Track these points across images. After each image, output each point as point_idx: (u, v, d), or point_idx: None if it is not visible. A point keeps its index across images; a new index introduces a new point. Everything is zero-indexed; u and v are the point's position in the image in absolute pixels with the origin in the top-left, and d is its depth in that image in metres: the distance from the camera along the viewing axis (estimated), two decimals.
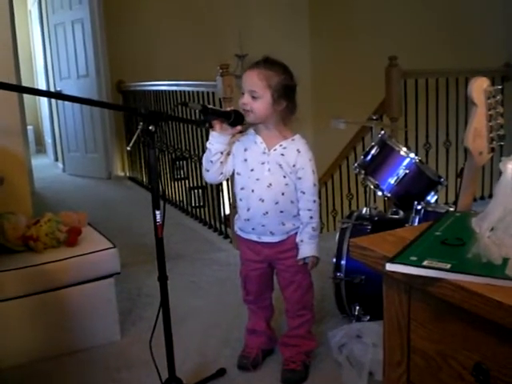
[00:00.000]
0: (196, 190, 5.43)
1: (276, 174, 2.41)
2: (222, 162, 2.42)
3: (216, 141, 2.37)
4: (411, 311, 1.24)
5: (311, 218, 2.47)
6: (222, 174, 2.46)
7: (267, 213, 2.44)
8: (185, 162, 5.61)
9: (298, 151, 2.42)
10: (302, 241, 2.48)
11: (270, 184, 2.41)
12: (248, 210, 2.47)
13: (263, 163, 2.41)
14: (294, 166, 2.41)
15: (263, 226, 2.47)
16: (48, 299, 2.82)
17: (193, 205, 5.48)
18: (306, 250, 2.48)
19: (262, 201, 2.43)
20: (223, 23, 7.39)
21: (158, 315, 2.20)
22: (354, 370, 2.59)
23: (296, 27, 7.74)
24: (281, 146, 2.41)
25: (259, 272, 2.62)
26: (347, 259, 2.95)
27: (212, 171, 2.44)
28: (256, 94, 2.33)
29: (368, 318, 2.95)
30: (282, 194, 2.43)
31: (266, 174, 2.41)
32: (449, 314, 1.13)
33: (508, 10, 5.26)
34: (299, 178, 2.43)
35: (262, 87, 2.33)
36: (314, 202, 2.47)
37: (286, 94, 2.38)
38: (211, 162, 2.41)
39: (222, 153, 2.39)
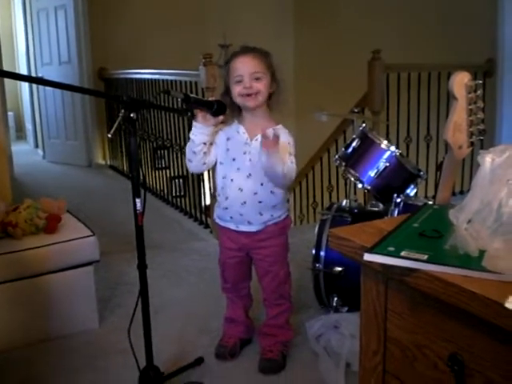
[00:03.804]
0: (177, 180, 5.43)
1: (257, 165, 2.40)
2: (205, 153, 2.42)
3: (199, 132, 2.37)
4: (388, 301, 1.25)
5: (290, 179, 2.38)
6: (205, 164, 2.47)
7: (245, 202, 2.44)
8: (166, 152, 5.59)
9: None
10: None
11: (250, 174, 2.42)
12: (226, 198, 2.48)
13: (245, 153, 2.41)
14: None
15: (241, 215, 2.47)
16: (26, 286, 2.80)
17: (173, 194, 5.47)
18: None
19: (241, 190, 2.44)
20: (207, 13, 7.36)
21: (136, 304, 2.19)
22: (332, 361, 2.61)
23: (280, 19, 7.73)
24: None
25: (237, 260, 2.63)
26: (326, 250, 2.97)
27: (195, 162, 2.45)
28: (259, 75, 2.35)
29: (346, 309, 2.97)
30: (261, 184, 2.43)
31: (246, 164, 2.41)
32: (425, 305, 1.15)
33: (492, 5, 5.28)
34: None
35: (263, 68, 2.36)
36: (292, 162, 2.37)
37: (276, 76, 2.42)
38: (194, 152, 2.41)
39: (205, 143, 2.39)
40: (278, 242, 2.57)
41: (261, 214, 2.47)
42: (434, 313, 1.13)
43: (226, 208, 2.50)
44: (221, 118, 2.33)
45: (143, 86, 5.97)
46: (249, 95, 2.35)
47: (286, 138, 2.41)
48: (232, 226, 2.53)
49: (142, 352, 2.25)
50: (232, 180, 2.45)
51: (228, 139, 2.46)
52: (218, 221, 2.61)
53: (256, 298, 2.81)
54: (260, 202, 2.45)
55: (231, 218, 2.51)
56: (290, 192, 5.95)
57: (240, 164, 2.43)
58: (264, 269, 2.60)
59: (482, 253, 1.08)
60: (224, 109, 2.32)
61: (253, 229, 2.50)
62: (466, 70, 1.43)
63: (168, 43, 7.01)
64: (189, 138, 2.42)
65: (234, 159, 2.44)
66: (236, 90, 2.37)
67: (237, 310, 2.77)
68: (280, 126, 2.46)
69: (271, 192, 2.45)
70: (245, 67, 2.35)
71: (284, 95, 2.46)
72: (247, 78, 2.34)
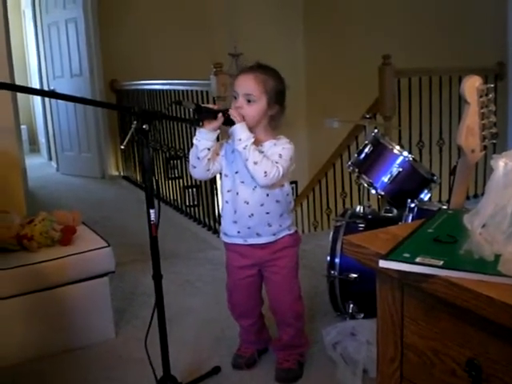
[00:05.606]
0: (190, 189, 5.44)
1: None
2: (209, 159, 2.37)
3: (203, 137, 2.32)
4: (404, 308, 1.25)
5: (265, 172, 2.28)
6: (209, 170, 2.42)
7: (253, 215, 2.41)
8: (179, 161, 5.61)
9: (274, 144, 2.38)
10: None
11: (255, 187, 2.38)
12: (235, 212, 2.44)
13: (246, 168, 2.34)
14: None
15: (249, 228, 2.43)
16: (42, 298, 2.82)
17: (187, 204, 5.48)
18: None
19: (247, 203, 2.40)
20: (217, 22, 7.39)
21: (152, 314, 2.20)
22: (349, 368, 2.60)
23: (290, 27, 7.75)
24: (261, 146, 2.36)
25: (248, 281, 2.57)
26: (341, 257, 2.96)
27: (199, 168, 2.40)
28: (252, 98, 2.31)
29: (362, 315, 2.96)
30: (267, 195, 2.40)
31: (251, 178, 2.35)
32: (441, 311, 1.14)
33: (502, 8, 5.26)
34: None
35: (259, 91, 2.32)
36: (277, 163, 2.31)
37: (279, 99, 2.38)
38: (198, 158, 2.36)
39: (209, 149, 2.34)
40: (293, 252, 2.54)
41: (269, 225, 2.44)
42: (451, 318, 1.13)
43: (235, 222, 2.45)
44: (221, 119, 2.27)
45: (155, 96, 6.00)
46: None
47: (281, 143, 2.38)
48: (240, 241, 2.48)
49: (159, 362, 2.26)
50: (238, 193, 2.41)
51: (233, 152, 2.41)
52: (224, 238, 2.55)
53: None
54: (267, 212, 2.42)
55: (238, 232, 2.46)
56: (297, 201, 5.95)
57: (244, 177, 2.38)
58: (279, 283, 2.54)
59: (497, 257, 1.08)
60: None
61: (262, 240, 2.45)
62: (477, 74, 1.43)
63: (178, 53, 7.06)
64: (193, 144, 2.39)
65: (236, 172, 2.41)
66: (231, 106, 2.36)
67: (250, 335, 2.75)
68: (280, 137, 2.42)
69: (277, 201, 2.42)
70: (241, 86, 2.34)
71: (284, 119, 2.42)
72: (240, 98, 2.32)
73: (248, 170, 2.31)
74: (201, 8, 7.30)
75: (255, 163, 2.27)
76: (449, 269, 1.06)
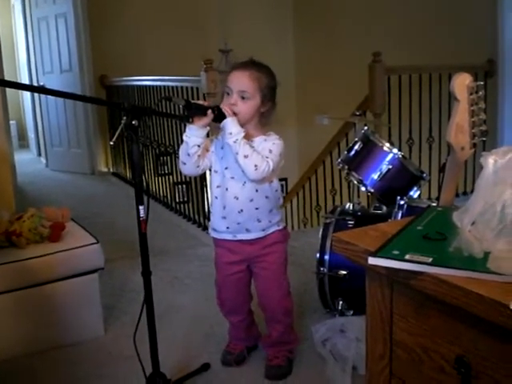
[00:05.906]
0: (180, 186, 5.43)
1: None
2: (199, 156, 2.37)
3: (193, 133, 2.32)
4: (394, 305, 1.25)
5: (256, 165, 2.29)
6: (198, 167, 2.42)
7: (242, 210, 2.41)
8: (169, 158, 5.60)
9: (265, 140, 2.39)
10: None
11: (245, 182, 2.38)
12: (224, 207, 2.44)
13: (236, 161, 2.34)
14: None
15: (238, 223, 2.43)
16: (31, 295, 2.80)
17: (177, 200, 5.47)
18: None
19: (237, 199, 2.40)
20: (207, 18, 7.38)
21: (141, 310, 2.19)
22: (338, 364, 2.61)
23: (280, 23, 7.74)
24: (252, 142, 2.37)
25: (237, 277, 2.57)
26: (331, 254, 2.96)
27: (189, 164, 2.39)
28: (246, 95, 2.31)
29: (351, 312, 2.96)
30: (256, 190, 2.40)
31: (240, 172, 2.35)
32: (431, 308, 1.14)
33: (491, 6, 5.28)
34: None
35: (254, 89, 2.32)
36: (267, 157, 2.31)
37: (272, 96, 2.39)
38: (188, 155, 2.35)
39: (199, 146, 2.34)
40: (282, 248, 2.54)
41: (259, 221, 2.44)
42: (440, 315, 1.13)
43: (224, 217, 2.45)
44: (211, 116, 2.27)
45: (145, 92, 5.98)
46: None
47: (271, 139, 2.38)
48: (229, 237, 2.48)
49: (148, 359, 2.25)
50: (227, 189, 2.41)
51: (222, 148, 2.41)
52: (213, 234, 2.55)
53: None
54: (257, 208, 2.42)
55: (228, 228, 2.46)
56: (286, 198, 5.96)
57: (234, 173, 2.39)
58: (268, 279, 2.54)
59: (486, 254, 1.08)
60: (225, 115, 2.30)
61: (251, 236, 2.46)
62: (467, 71, 1.43)
63: (168, 48, 7.05)
64: (183, 141, 2.38)
65: (226, 168, 2.41)
66: (224, 101, 2.35)
67: (239, 331, 2.74)
68: (270, 133, 2.43)
69: (266, 197, 2.43)
70: (235, 83, 2.33)
71: (274, 115, 2.43)
72: (234, 95, 2.32)
73: (238, 164, 2.31)
74: (194, 7, 7.28)
75: (245, 157, 2.27)
76: (438, 266, 1.06)
